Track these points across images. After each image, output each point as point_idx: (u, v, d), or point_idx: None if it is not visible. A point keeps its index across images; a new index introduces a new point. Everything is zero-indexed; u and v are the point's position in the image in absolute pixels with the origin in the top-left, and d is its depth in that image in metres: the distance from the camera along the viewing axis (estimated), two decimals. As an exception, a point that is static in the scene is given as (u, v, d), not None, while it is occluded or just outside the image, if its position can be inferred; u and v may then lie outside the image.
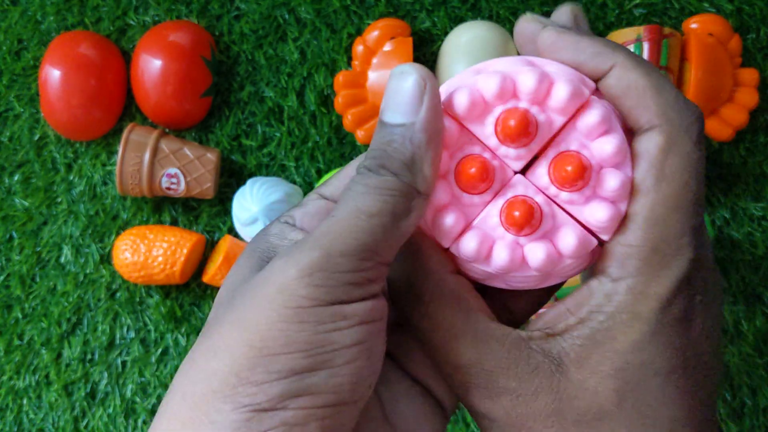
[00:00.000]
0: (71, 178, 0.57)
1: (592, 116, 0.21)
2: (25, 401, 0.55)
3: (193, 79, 0.54)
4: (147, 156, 0.52)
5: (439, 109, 0.21)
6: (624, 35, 0.52)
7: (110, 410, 0.54)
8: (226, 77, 0.57)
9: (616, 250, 0.21)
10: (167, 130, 0.56)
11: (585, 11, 0.56)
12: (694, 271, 0.21)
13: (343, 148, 0.56)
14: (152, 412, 0.54)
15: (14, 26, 0.58)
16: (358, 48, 0.54)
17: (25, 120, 0.57)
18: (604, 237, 0.21)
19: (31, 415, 0.54)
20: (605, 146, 0.21)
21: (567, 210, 0.21)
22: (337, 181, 0.24)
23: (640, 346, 0.21)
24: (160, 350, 0.54)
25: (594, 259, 0.22)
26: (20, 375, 0.55)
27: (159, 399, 0.54)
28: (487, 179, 0.21)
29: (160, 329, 0.55)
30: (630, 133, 0.22)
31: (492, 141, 0.21)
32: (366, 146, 0.55)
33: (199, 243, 0.53)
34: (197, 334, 0.54)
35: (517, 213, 0.20)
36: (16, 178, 0.57)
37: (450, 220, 0.21)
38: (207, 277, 0.53)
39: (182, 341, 0.54)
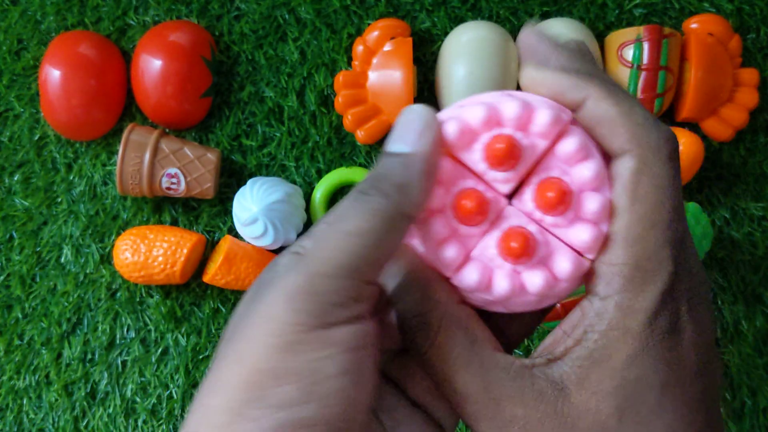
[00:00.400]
0: (71, 178, 0.57)
1: (570, 143, 0.22)
2: (25, 401, 0.55)
3: (193, 79, 0.54)
4: (147, 156, 0.52)
5: (439, 146, 0.22)
6: (624, 35, 0.52)
7: (110, 410, 0.54)
8: (226, 77, 0.57)
9: (602, 270, 0.22)
10: (167, 130, 0.56)
11: (585, 11, 0.56)
12: (676, 283, 0.21)
13: (343, 148, 0.56)
14: (152, 411, 0.54)
15: (14, 26, 0.58)
16: (358, 48, 0.54)
17: (25, 120, 0.57)
18: (590, 256, 0.22)
19: (31, 415, 0.54)
20: (584, 171, 0.22)
21: (554, 234, 0.22)
22: None
23: (633, 361, 0.21)
24: (160, 350, 0.54)
25: (583, 278, 0.23)
26: (20, 375, 0.55)
27: (159, 399, 0.54)
28: (483, 212, 0.22)
29: (160, 329, 0.55)
30: (607, 157, 0.23)
31: (481, 166, 0.22)
32: (366, 146, 0.55)
33: (199, 243, 0.53)
34: (197, 334, 0.54)
35: (514, 244, 0.22)
36: (16, 178, 0.57)
37: (451, 252, 0.22)
38: (207, 277, 0.53)
39: (182, 341, 0.54)
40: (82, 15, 0.58)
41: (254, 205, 0.51)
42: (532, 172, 0.23)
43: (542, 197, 0.22)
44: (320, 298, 0.20)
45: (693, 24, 0.54)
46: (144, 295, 0.55)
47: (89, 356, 0.55)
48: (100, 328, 0.55)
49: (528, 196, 0.23)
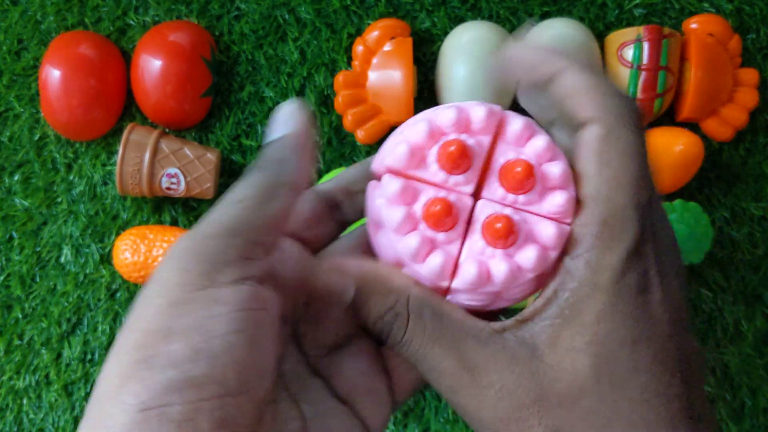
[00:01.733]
0: (71, 178, 0.57)
1: (515, 125, 0.23)
2: (25, 401, 0.55)
3: (193, 79, 0.54)
4: (147, 156, 0.52)
5: (308, 125, 0.25)
6: (624, 35, 0.52)
7: (110, 410, 0.54)
8: (226, 77, 0.57)
9: (575, 232, 0.23)
10: (167, 130, 0.56)
11: (585, 11, 0.56)
12: (642, 244, 0.22)
13: (343, 148, 0.56)
14: (152, 412, 0.54)
15: (14, 26, 0.58)
16: (358, 48, 0.54)
17: (25, 120, 0.57)
18: (567, 220, 0.23)
19: (31, 415, 0.54)
20: (537, 143, 0.23)
21: (530, 211, 0.23)
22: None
23: (603, 316, 0.22)
24: (160, 350, 0.54)
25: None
26: (20, 375, 0.55)
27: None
28: (452, 212, 0.23)
29: (160, 329, 0.55)
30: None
31: (440, 176, 0.23)
32: (366, 146, 0.55)
33: (199, 243, 0.53)
34: (197, 334, 0.54)
35: (498, 225, 0.22)
36: (16, 178, 0.57)
37: (437, 259, 0.23)
38: (207, 277, 0.53)
39: (182, 341, 0.54)
40: (82, 15, 0.58)
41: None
42: (487, 166, 0.24)
43: (509, 178, 0.23)
44: (207, 257, 0.21)
45: (693, 24, 0.54)
46: (144, 295, 0.55)
47: (89, 356, 0.55)
48: (100, 328, 0.55)
49: (494, 185, 0.23)
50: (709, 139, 0.55)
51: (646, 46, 0.51)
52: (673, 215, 0.50)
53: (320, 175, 0.55)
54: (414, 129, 0.23)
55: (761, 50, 0.56)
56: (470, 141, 0.23)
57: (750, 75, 0.54)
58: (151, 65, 0.53)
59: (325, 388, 0.25)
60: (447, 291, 0.24)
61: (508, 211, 0.23)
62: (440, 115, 0.23)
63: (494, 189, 0.23)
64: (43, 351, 0.55)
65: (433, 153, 0.23)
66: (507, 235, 0.22)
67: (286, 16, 0.57)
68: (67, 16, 0.58)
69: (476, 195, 0.24)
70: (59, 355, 0.55)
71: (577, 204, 0.23)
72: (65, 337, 0.55)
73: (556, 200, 0.23)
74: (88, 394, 0.54)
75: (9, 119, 0.58)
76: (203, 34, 0.56)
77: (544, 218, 0.23)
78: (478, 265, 0.22)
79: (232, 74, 0.57)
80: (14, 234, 0.56)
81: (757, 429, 0.52)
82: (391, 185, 0.23)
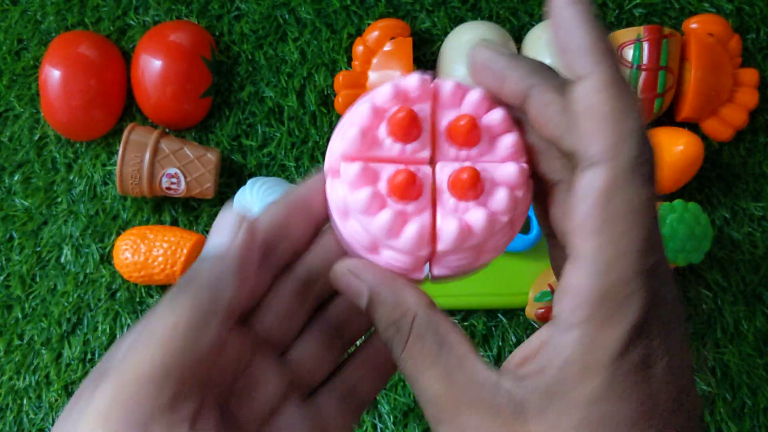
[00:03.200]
0: (71, 178, 0.57)
1: (446, 87, 0.24)
2: (25, 401, 0.55)
3: (193, 79, 0.54)
4: (147, 156, 0.52)
5: (252, 241, 0.23)
6: (624, 35, 0.52)
7: (110, 410, 0.54)
8: (226, 77, 0.57)
9: (566, 298, 0.20)
10: (167, 130, 0.56)
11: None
12: (648, 315, 0.20)
13: (343, 148, 0.56)
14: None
15: (14, 26, 0.58)
16: (358, 48, 0.54)
17: (25, 120, 0.57)
18: (522, 158, 0.23)
19: (31, 415, 0.54)
20: (471, 98, 0.23)
21: (486, 160, 0.24)
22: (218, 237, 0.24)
23: (596, 399, 0.20)
24: (160, 350, 0.54)
25: (531, 192, 0.24)
26: (20, 375, 0.55)
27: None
28: (416, 181, 0.23)
29: (160, 329, 0.55)
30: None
31: (395, 149, 0.23)
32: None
33: (199, 243, 0.53)
34: (197, 334, 0.54)
35: (464, 175, 0.22)
36: (16, 178, 0.57)
37: (412, 228, 0.23)
38: (207, 277, 0.53)
39: (182, 341, 0.54)
40: (82, 15, 0.58)
41: (254, 205, 0.51)
42: (434, 132, 0.24)
43: (456, 134, 0.23)
44: (136, 415, 0.19)
45: (693, 24, 0.54)
46: (144, 295, 0.55)
47: (89, 356, 0.55)
48: (100, 328, 0.55)
49: (445, 146, 0.24)
50: (709, 139, 0.55)
51: (646, 46, 0.51)
52: (673, 215, 0.50)
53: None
54: (357, 112, 0.24)
55: (761, 50, 0.56)
56: (413, 108, 0.24)
57: (750, 75, 0.54)
58: (151, 65, 0.53)
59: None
60: (429, 259, 0.24)
61: (467, 164, 0.23)
62: (377, 94, 0.24)
63: (446, 150, 0.24)
64: (43, 351, 0.55)
65: (382, 129, 0.24)
66: (474, 183, 0.22)
67: (286, 16, 0.57)
68: (67, 16, 0.58)
69: (431, 162, 0.24)
70: (59, 355, 0.55)
71: (569, 258, 0.21)
72: (65, 337, 0.55)
73: (506, 143, 0.23)
74: (88, 394, 0.54)
75: (9, 119, 0.58)
76: (203, 34, 0.56)
77: (502, 162, 0.23)
78: (457, 220, 0.23)
79: (232, 74, 0.57)
80: (14, 234, 0.56)
81: (757, 429, 0.52)
82: (350, 169, 0.23)
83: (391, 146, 0.23)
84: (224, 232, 0.23)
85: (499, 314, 0.54)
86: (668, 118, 0.55)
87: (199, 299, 0.21)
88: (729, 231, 0.54)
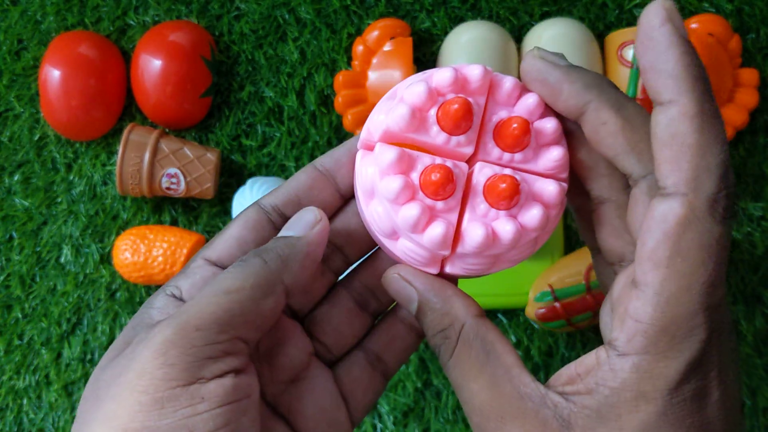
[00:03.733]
0: (71, 178, 0.57)
1: (506, 84, 0.23)
2: (25, 401, 0.55)
3: (193, 79, 0.54)
4: (147, 156, 0.52)
5: (325, 237, 0.24)
6: (624, 35, 0.52)
7: (110, 410, 0.54)
8: (226, 77, 0.57)
9: (626, 323, 0.20)
10: (167, 130, 0.56)
11: (585, 11, 0.56)
12: (707, 350, 0.20)
13: (343, 148, 0.56)
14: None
15: (14, 26, 0.58)
16: (358, 48, 0.54)
17: (25, 120, 0.57)
18: (563, 175, 0.23)
19: (31, 415, 0.54)
20: (528, 101, 0.23)
21: (527, 169, 0.23)
22: (222, 242, 0.25)
23: (648, 426, 0.20)
24: (160, 350, 0.54)
25: (563, 210, 0.24)
26: (20, 375, 0.55)
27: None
28: (452, 179, 0.22)
29: (160, 329, 0.55)
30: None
31: (440, 138, 0.23)
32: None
33: (199, 243, 0.53)
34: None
35: (503, 185, 0.22)
36: (16, 178, 0.57)
37: (439, 228, 0.22)
38: (207, 277, 0.53)
39: (182, 341, 0.54)
40: (82, 15, 0.58)
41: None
42: (481, 127, 0.23)
43: (505, 136, 0.22)
44: (193, 351, 0.20)
45: (693, 24, 0.54)
46: (144, 295, 0.55)
47: (89, 356, 0.55)
48: (99, 329, 0.55)
49: (489, 145, 0.23)
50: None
51: (646, 46, 0.51)
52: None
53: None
54: (412, 90, 0.22)
55: (761, 50, 0.56)
56: (470, 100, 0.23)
57: (750, 75, 0.54)
58: (151, 65, 0.53)
59: (287, 428, 0.25)
60: (446, 258, 0.24)
61: (507, 171, 0.23)
62: (436, 76, 0.23)
63: (490, 149, 0.23)
64: (43, 351, 0.55)
65: (432, 114, 0.23)
66: (512, 195, 0.22)
67: (286, 16, 0.57)
68: (67, 16, 0.58)
69: (471, 157, 0.23)
70: (59, 355, 0.55)
71: (632, 283, 0.21)
72: (65, 337, 0.55)
73: (552, 156, 0.22)
74: (88, 394, 0.54)
75: (9, 119, 0.58)
76: (203, 34, 0.56)
77: (542, 176, 0.23)
78: (484, 227, 0.22)
79: (232, 74, 0.57)
80: (14, 234, 0.56)
81: (757, 429, 0.52)
82: (386, 154, 0.22)
83: (436, 134, 0.23)
84: (301, 221, 0.24)
85: (499, 314, 0.54)
86: (668, 118, 0.55)
87: (269, 266, 0.22)
88: (729, 231, 0.54)
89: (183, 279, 0.24)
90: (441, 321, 0.23)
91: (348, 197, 0.27)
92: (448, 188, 0.22)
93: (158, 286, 0.55)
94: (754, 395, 0.52)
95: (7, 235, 0.56)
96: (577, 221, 0.26)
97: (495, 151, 0.23)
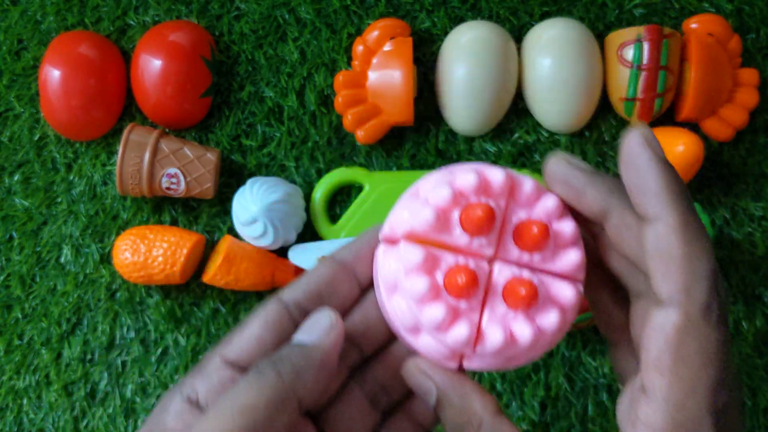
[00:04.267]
0: (71, 178, 0.57)
1: (526, 186, 0.24)
2: (25, 401, 0.55)
3: (193, 79, 0.54)
4: (147, 156, 0.52)
5: (340, 344, 0.24)
6: (624, 35, 0.52)
7: (110, 410, 0.54)
8: (226, 77, 0.57)
9: (637, 428, 0.21)
10: (167, 130, 0.56)
11: (585, 11, 0.56)
12: None
13: (343, 148, 0.56)
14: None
15: (14, 26, 0.58)
16: (358, 48, 0.54)
17: (25, 120, 0.57)
18: (580, 277, 0.24)
19: (31, 415, 0.54)
20: (547, 203, 0.23)
21: (545, 269, 0.24)
22: (242, 341, 0.25)
23: None
24: (160, 350, 0.54)
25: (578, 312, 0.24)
26: (20, 375, 0.55)
27: (159, 399, 0.54)
28: (476, 282, 0.23)
29: (160, 329, 0.55)
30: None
31: (463, 240, 0.23)
32: (366, 146, 0.55)
33: (199, 243, 0.53)
34: (197, 334, 0.54)
35: (522, 290, 0.22)
36: (16, 178, 0.57)
37: (463, 329, 0.23)
38: (207, 277, 0.53)
39: (182, 341, 0.54)
40: (82, 15, 0.58)
41: (254, 205, 0.51)
42: (502, 227, 0.24)
43: (525, 238, 0.23)
44: None
45: (693, 24, 0.54)
46: (144, 295, 0.55)
47: (89, 356, 0.55)
48: (99, 329, 0.55)
49: (509, 245, 0.24)
50: (709, 139, 0.54)
51: (646, 46, 0.51)
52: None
53: (320, 174, 0.55)
54: (437, 194, 0.23)
55: (761, 50, 0.56)
56: (491, 204, 0.24)
57: (750, 75, 0.54)
58: (151, 65, 0.53)
59: None
60: (465, 354, 0.24)
61: (526, 273, 0.23)
62: (459, 179, 0.24)
63: (509, 248, 0.24)
64: (43, 351, 0.55)
65: (455, 216, 0.23)
66: (530, 300, 0.22)
67: (286, 16, 0.57)
68: (67, 16, 0.58)
69: (491, 257, 0.24)
70: (59, 355, 0.55)
71: (641, 389, 0.22)
72: (65, 337, 0.55)
73: (570, 258, 0.23)
74: (87, 394, 0.54)
75: (9, 119, 0.58)
76: (203, 34, 0.56)
77: (560, 279, 0.23)
78: (503, 329, 0.23)
79: (232, 74, 0.57)
80: (14, 234, 0.56)
81: (757, 429, 0.52)
82: (411, 254, 0.23)
83: (459, 236, 0.23)
84: (316, 325, 0.24)
85: None
86: (668, 118, 0.55)
87: (283, 380, 0.22)
88: (729, 231, 0.54)
89: (200, 380, 0.24)
90: (459, 417, 0.24)
91: (366, 288, 0.27)
92: (471, 290, 0.23)
93: (158, 286, 0.55)
94: (755, 395, 0.52)
95: (7, 235, 0.56)
96: (595, 316, 0.26)
97: (514, 251, 0.24)
